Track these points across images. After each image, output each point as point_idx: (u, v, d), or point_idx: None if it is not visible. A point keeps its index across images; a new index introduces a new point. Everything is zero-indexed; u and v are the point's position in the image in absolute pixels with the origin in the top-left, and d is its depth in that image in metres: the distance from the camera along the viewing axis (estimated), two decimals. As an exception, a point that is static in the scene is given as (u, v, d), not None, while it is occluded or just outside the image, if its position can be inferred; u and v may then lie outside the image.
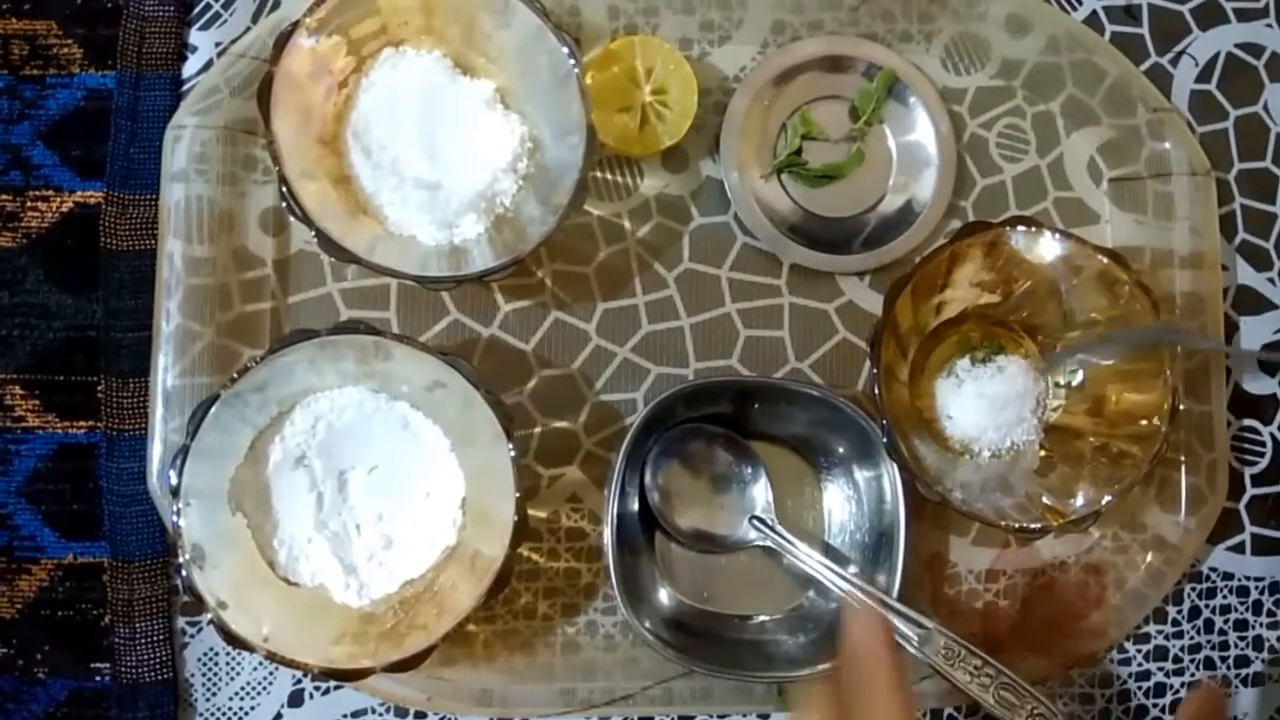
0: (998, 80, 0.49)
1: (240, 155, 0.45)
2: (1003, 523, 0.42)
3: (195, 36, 0.46)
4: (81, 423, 0.45)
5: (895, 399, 0.44)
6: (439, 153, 0.43)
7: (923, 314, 0.46)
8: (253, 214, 0.46)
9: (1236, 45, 0.51)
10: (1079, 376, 0.46)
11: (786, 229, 0.47)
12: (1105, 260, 0.44)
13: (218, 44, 0.46)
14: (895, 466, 0.43)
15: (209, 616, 0.38)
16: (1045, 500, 0.43)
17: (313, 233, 0.40)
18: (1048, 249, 0.44)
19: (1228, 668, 0.49)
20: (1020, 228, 0.44)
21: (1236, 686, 0.49)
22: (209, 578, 0.38)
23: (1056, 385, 0.46)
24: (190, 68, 0.46)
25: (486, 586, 0.39)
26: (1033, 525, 0.43)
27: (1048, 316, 0.46)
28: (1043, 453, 0.46)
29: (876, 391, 0.42)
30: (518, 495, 0.39)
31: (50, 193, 0.46)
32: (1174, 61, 0.50)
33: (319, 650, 0.39)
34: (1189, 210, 0.48)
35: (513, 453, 0.39)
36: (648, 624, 0.43)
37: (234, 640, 0.38)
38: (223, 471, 0.40)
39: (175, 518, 0.38)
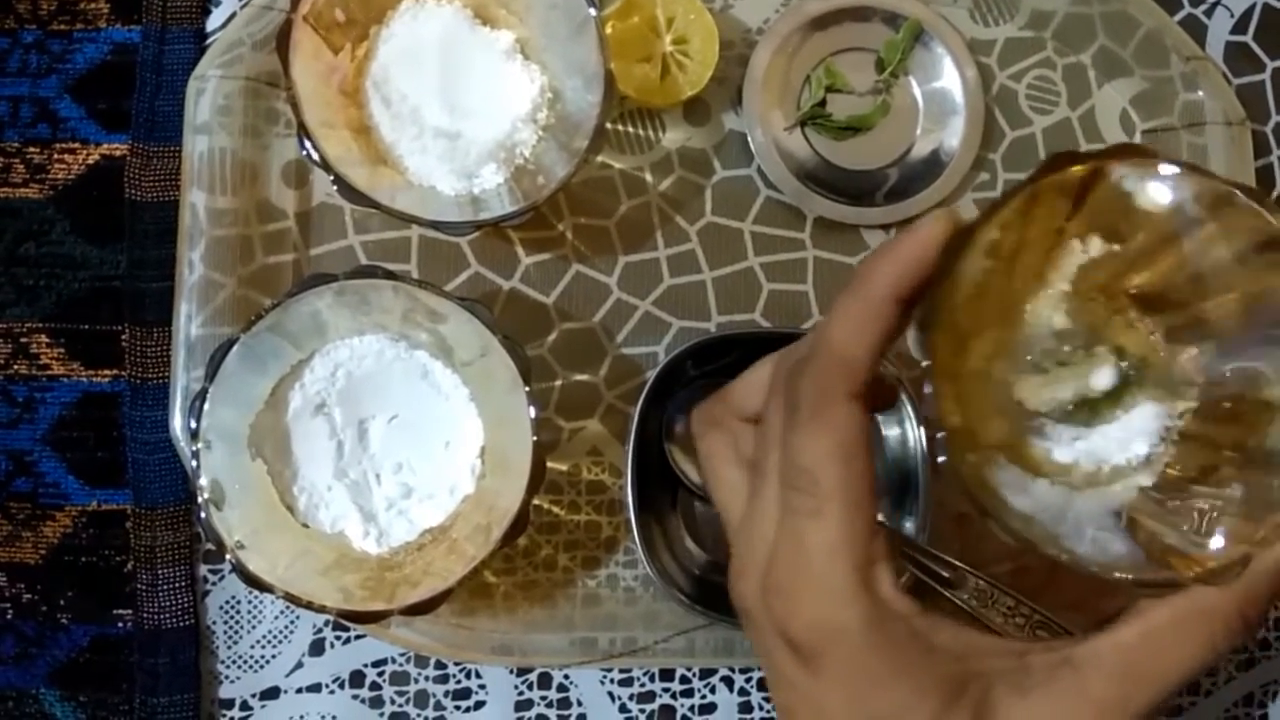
0: (1027, 31, 0.48)
1: (263, 108, 0.46)
2: (1113, 573, 0.29)
3: (220, -10, 0.47)
4: (106, 371, 0.45)
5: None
6: (459, 103, 0.43)
7: None
8: (275, 166, 0.46)
9: (1275, -5, 0.50)
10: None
11: (810, 182, 0.47)
12: (1245, 200, 0.30)
13: (241, -3, 0.47)
14: (919, 428, 0.43)
15: (230, 563, 0.38)
16: (1168, 539, 0.31)
17: (333, 180, 0.40)
18: (1164, 188, 0.31)
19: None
20: (1127, 159, 0.30)
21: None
22: (227, 519, 0.38)
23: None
24: (214, 21, 0.47)
25: (503, 533, 0.39)
26: (1153, 578, 0.29)
27: (1169, 282, 0.32)
28: (1165, 470, 0.33)
29: (928, 394, 0.30)
30: (535, 440, 0.39)
31: (77, 145, 0.46)
32: (1208, 12, 0.49)
33: (337, 594, 0.39)
34: (1224, 162, 0.47)
35: (531, 398, 0.39)
36: (669, 577, 0.43)
37: (251, 580, 0.38)
38: (243, 416, 0.40)
39: (194, 460, 0.38)
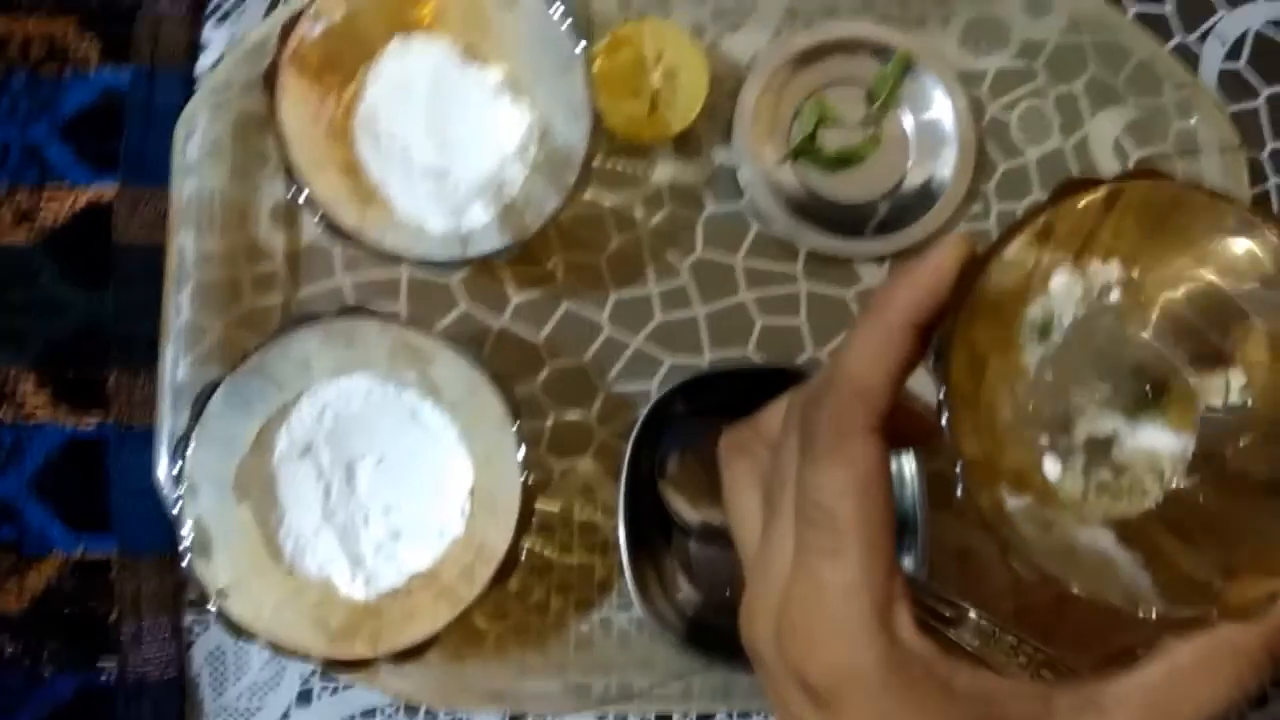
0: (1018, 62, 0.48)
1: (252, 149, 0.45)
2: (1135, 608, 0.28)
3: (209, 32, 0.47)
4: (92, 417, 0.45)
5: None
6: (447, 140, 0.43)
7: None
8: (264, 207, 0.46)
9: (1267, 22, 0.49)
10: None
11: (802, 215, 0.46)
12: (1269, 226, 0.29)
13: (231, 38, 0.47)
14: (912, 457, 0.42)
15: (214, 612, 0.37)
16: (1192, 573, 0.30)
17: (320, 220, 0.40)
18: (1187, 212, 0.30)
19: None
20: (1147, 182, 0.29)
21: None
22: (211, 566, 0.38)
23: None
24: (204, 63, 0.47)
25: (491, 575, 0.38)
26: (1177, 614, 0.28)
27: (1192, 308, 0.32)
28: (1188, 500, 0.32)
29: (944, 423, 0.29)
30: (524, 479, 0.38)
31: (65, 189, 0.46)
32: (1200, 41, 0.49)
33: (322, 641, 0.38)
34: (1220, 189, 0.47)
35: (519, 437, 0.39)
36: (664, 619, 0.42)
37: (235, 629, 0.37)
38: (228, 460, 0.40)
39: (177, 505, 0.38)
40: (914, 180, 0.47)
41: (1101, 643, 0.41)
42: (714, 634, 0.42)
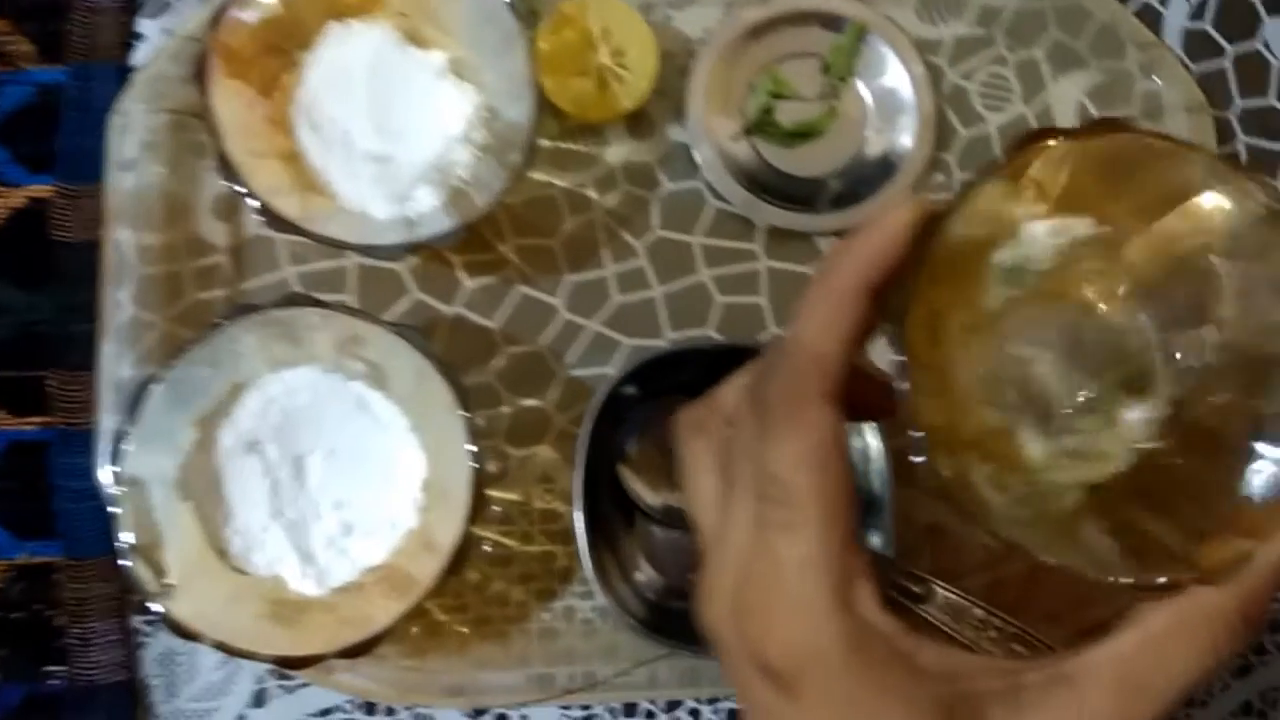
0: (977, 29, 0.47)
1: (190, 141, 0.44)
2: (1105, 575, 0.27)
3: (144, 25, 0.46)
4: (34, 419, 0.44)
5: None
6: (389, 125, 0.42)
7: None
8: (204, 200, 0.45)
9: (1231, -19, 0.48)
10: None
11: (760, 190, 0.45)
12: (1241, 174, 0.28)
13: (166, 31, 0.46)
14: (878, 433, 0.41)
15: (157, 613, 0.36)
16: (1163, 538, 0.29)
17: (257, 209, 0.39)
18: (1154, 162, 0.29)
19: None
20: (1110, 133, 0.28)
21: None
22: (155, 566, 0.37)
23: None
24: (140, 56, 0.46)
25: (442, 567, 0.37)
26: (1148, 580, 0.27)
27: (1159, 262, 0.30)
28: (1157, 463, 0.30)
29: (905, 389, 0.28)
30: (475, 468, 0.37)
31: (1, 189, 0.45)
32: (1163, 1, 0.48)
33: (273, 639, 0.37)
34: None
35: (468, 424, 0.38)
36: (626, 605, 0.41)
37: (179, 630, 0.36)
38: (170, 457, 0.39)
39: (116, 505, 0.37)
40: (873, 151, 0.46)
41: (1075, 617, 0.40)
42: (678, 618, 0.41)
